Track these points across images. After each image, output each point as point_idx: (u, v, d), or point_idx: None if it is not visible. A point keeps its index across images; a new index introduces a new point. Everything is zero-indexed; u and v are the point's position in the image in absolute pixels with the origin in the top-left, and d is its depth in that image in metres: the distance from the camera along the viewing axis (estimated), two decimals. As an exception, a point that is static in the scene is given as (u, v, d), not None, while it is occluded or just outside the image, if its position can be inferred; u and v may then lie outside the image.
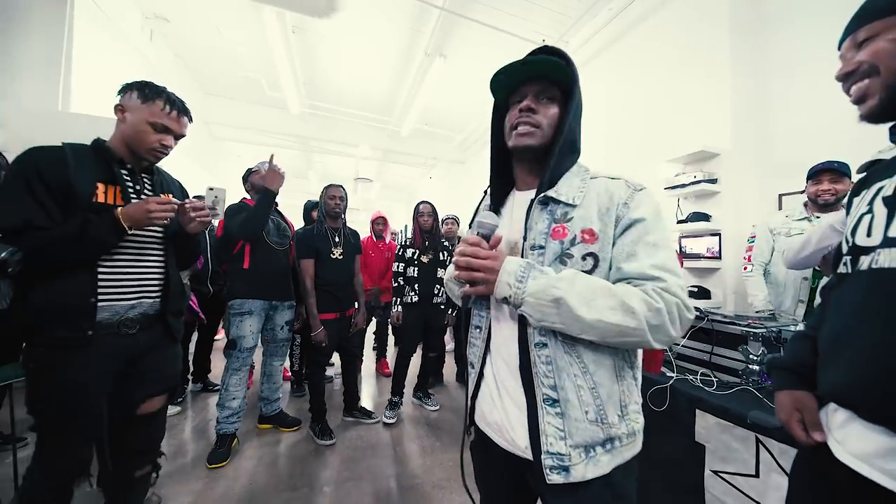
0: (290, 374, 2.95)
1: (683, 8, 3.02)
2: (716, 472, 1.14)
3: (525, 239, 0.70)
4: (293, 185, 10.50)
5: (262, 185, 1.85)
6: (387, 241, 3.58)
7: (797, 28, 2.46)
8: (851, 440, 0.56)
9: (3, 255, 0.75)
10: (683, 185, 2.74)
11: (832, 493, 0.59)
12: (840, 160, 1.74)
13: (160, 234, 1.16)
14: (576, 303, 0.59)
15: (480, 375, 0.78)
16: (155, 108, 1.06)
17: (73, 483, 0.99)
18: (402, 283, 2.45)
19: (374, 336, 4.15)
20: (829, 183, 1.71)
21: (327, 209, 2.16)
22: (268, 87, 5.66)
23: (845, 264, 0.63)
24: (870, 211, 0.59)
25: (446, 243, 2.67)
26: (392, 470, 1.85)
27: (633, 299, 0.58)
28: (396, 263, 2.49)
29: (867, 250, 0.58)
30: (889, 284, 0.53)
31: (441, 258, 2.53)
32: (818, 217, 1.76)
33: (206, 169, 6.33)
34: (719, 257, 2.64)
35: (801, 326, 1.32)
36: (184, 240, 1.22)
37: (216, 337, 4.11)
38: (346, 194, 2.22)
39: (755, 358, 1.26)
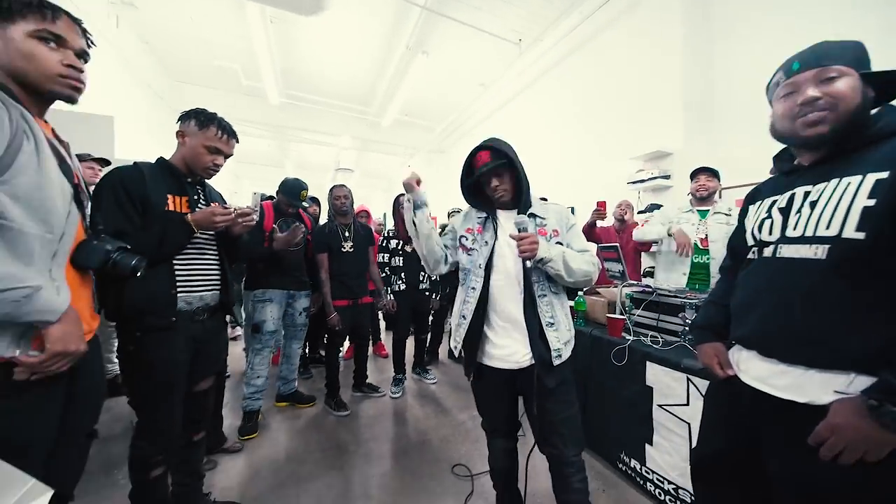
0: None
1: (644, 18, 3.37)
2: (661, 406, 1.53)
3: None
4: (269, 173, 10.27)
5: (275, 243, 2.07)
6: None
7: (741, 47, 2.86)
8: (752, 370, 0.83)
9: (133, 262, 0.95)
10: (643, 181, 3.16)
11: (737, 405, 0.86)
12: (712, 167, 2.25)
13: (213, 236, 1.37)
14: (570, 259, 1.14)
15: (471, 325, 1.21)
16: (210, 133, 1.26)
17: (174, 445, 1.23)
18: (388, 272, 2.66)
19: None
20: (704, 180, 2.22)
21: (335, 208, 2.39)
22: (244, 77, 5.56)
23: (753, 252, 0.88)
24: (769, 216, 0.84)
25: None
26: (404, 430, 2.17)
27: (587, 258, 1.19)
28: (381, 254, 2.67)
29: (768, 244, 0.82)
30: (789, 269, 0.76)
31: None
32: (699, 210, 2.24)
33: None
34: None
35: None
36: (230, 240, 1.43)
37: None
38: (350, 192, 2.44)
39: (690, 321, 1.66)
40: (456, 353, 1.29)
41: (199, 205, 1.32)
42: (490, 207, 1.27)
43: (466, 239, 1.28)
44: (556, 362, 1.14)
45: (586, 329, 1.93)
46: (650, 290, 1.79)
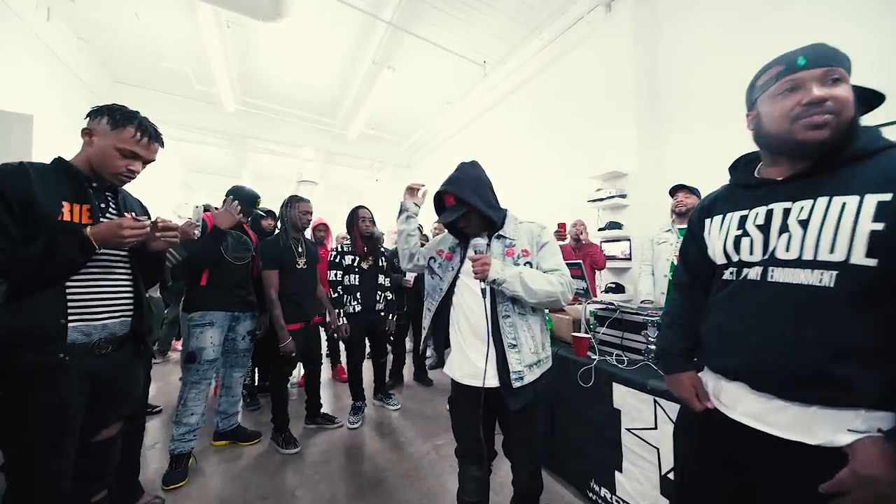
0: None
1: (599, 44, 3.55)
2: (629, 430, 1.48)
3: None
4: (224, 184, 9.66)
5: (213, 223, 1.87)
6: (328, 248, 3.59)
7: (687, 71, 3.08)
8: (741, 405, 0.74)
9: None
10: (601, 199, 3.26)
11: (723, 444, 0.78)
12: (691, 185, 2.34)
13: (125, 252, 1.15)
14: (529, 280, 1.12)
15: (435, 342, 1.36)
16: (125, 134, 1.06)
17: None
18: (340, 292, 2.37)
19: (326, 343, 4.13)
20: (682, 196, 2.31)
21: (298, 223, 2.20)
22: (196, 81, 5.22)
23: (730, 273, 0.79)
24: (745, 234, 0.76)
25: (383, 249, 2.70)
26: (360, 467, 1.97)
27: (552, 279, 1.16)
28: (332, 272, 2.38)
29: (751, 265, 0.74)
30: (788, 295, 0.68)
31: (381, 264, 2.53)
32: (679, 228, 2.32)
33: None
34: (630, 258, 3.19)
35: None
36: (147, 258, 1.22)
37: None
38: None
39: (652, 339, 1.66)
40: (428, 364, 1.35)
41: (108, 215, 1.11)
42: (465, 236, 1.32)
43: (434, 261, 1.35)
44: (516, 385, 1.13)
45: (552, 348, 1.87)
46: (612, 307, 1.77)
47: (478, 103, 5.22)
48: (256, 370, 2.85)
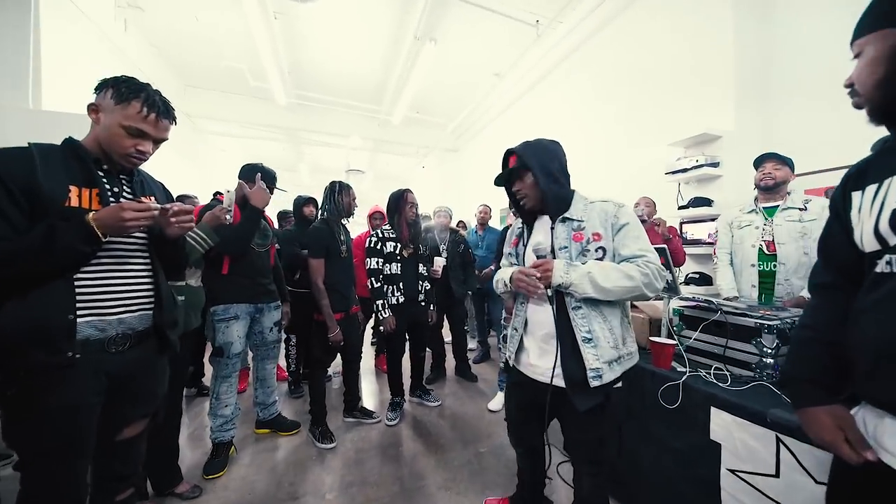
0: (286, 374, 2.89)
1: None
2: (733, 472, 1.10)
3: (553, 243, 1.13)
4: (284, 178, 10.29)
5: (249, 202, 1.78)
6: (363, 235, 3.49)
7: (801, 10, 2.35)
8: None
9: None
10: (685, 170, 2.68)
11: None
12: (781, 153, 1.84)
13: (144, 240, 1.06)
14: (600, 278, 1.00)
15: (521, 338, 1.21)
16: (131, 110, 0.93)
17: None
18: (382, 282, 2.18)
19: (371, 331, 4.10)
20: (770, 168, 1.81)
21: (346, 209, 2.11)
22: (252, 78, 5.43)
23: (888, 263, 0.58)
24: None
25: (431, 235, 2.55)
26: (396, 471, 1.81)
27: (631, 270, 1.01)
28: (372, 259, 2.17)
29: None
30: None
31: (421, 251, 2.35)
32: (765, 207, 1.86)
33: (190, 163, 6.13)
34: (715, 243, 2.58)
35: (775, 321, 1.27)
36: (164, 244, 1.11)
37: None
38: None
39: (769, 351, 1.21)
40: (510, 364, 1.26)
41: (122, 199, 1.00)
42: (531, 216, 1.23)
43: (511, 254, 1.31)
44: (594, 383, 1.02)
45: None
46: (711, 305, 1.34)
47: (530, 72, 4.70)
48: (298, 358, 2.83)
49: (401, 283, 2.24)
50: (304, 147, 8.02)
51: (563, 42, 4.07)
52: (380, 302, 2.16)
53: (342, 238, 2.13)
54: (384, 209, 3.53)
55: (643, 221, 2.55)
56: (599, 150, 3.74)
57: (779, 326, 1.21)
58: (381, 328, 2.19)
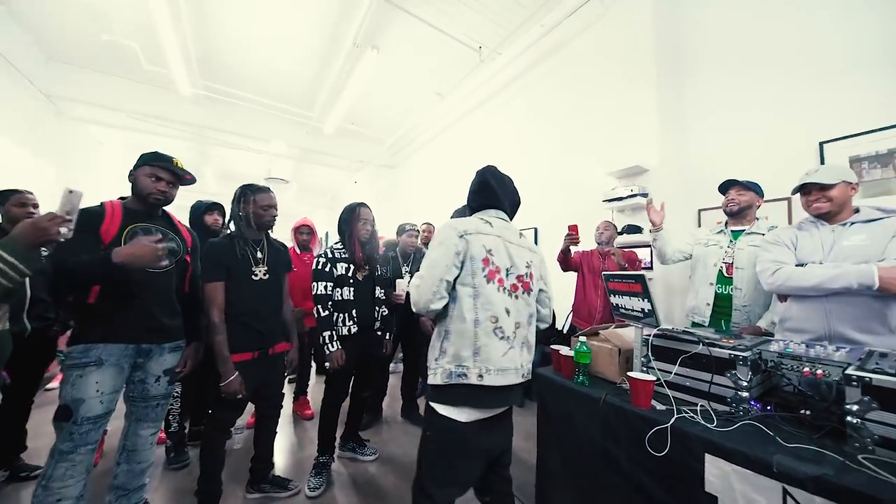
0: (164, 434, 2.15)
1: (611, 28, 3.15)
2: (734, 530, 0.96)
3: None
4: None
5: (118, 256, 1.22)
6: (313, 254, 2.98)
7: (715, 55, 2.69)
8: None
9: None
10: (621, 198, 2.81)
11: None
12: (749, 180, 1.91)
13: None
14: None
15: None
16: None
17: None
18: (331, 309, 1.82)
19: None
20: (734, 194, 1.88)
21: (259, 221, 1.64)
22: (146, 60, 4.49)
23: None
24: None
25: (393, 255, 2.28)
26: (320, 569, 1.35)
27: None
28: (320, 284, 1.83)
29: None
30: None
31: (379, 273, 2.07)
32: (733, 230, 1.91)
33: (47, 158, 4.75)
34: (651, 267, 2.74)
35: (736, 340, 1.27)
36: None
37: (48, 386, 2.97)
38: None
39: (745, 384, 1.16)
40: None
41: None
42: None
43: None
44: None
45: (595, 392, 1.35)
46: (692, 336, 1.26)
47: (473, 95, 4.73)
48: (181, 412, 2.15)
49: (353, 311, 1.87)
50: (212, 148, 6.91)
51: (504, 71, 4.18)
52: (327, 334, 1.77)
53: (258, 256, 1.67)
54: (312, 223, 3.08)
55: (602, 245, 2.57)
56: (540, 176, 3.82)
57: (749, 358, 1.17)
58: (327, 364, 1.77)
